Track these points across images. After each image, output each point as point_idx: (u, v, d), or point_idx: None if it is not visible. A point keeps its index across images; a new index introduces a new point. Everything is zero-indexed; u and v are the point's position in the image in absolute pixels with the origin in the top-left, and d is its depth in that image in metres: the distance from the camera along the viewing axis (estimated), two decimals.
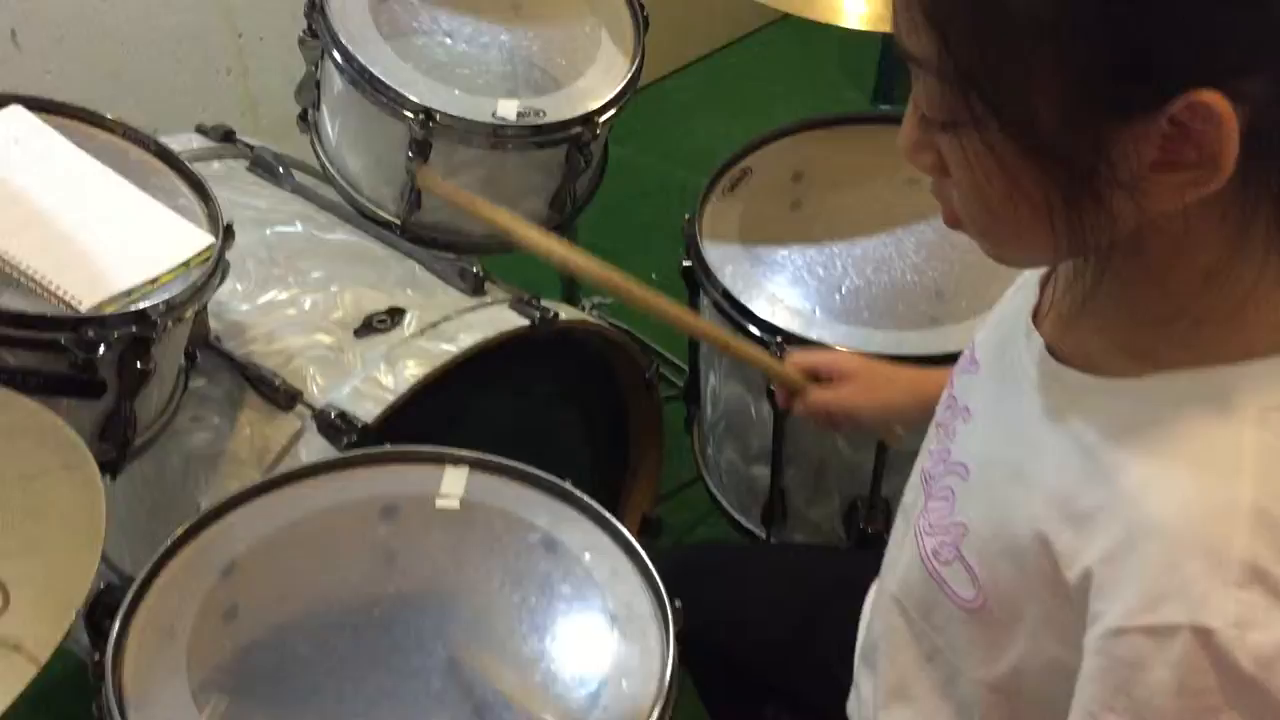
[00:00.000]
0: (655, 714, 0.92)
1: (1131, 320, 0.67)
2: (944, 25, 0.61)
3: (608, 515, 1.07)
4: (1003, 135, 0.62)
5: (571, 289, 1.88)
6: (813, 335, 1.29)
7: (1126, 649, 0.61)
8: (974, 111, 0.62)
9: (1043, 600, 0.68)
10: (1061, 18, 0.57)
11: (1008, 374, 0.76)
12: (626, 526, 1.57)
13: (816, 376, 1.13)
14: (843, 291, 1.35)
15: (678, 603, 0.99)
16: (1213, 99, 0.56)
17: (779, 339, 1.28)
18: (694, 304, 1.46)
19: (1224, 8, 0.55)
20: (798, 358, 1.14)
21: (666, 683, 0.94)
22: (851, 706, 0.95)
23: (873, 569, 1.02)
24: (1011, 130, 0.61)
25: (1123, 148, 0.59)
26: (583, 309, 1.82)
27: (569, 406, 1.56)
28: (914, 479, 0.86)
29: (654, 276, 2.25)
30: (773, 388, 1.23)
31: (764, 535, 1.45)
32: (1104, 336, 0.69)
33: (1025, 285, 0.79)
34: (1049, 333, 0.73)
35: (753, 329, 1.32)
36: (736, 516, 1.50)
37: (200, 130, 1.61)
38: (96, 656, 0.92)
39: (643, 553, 1.04)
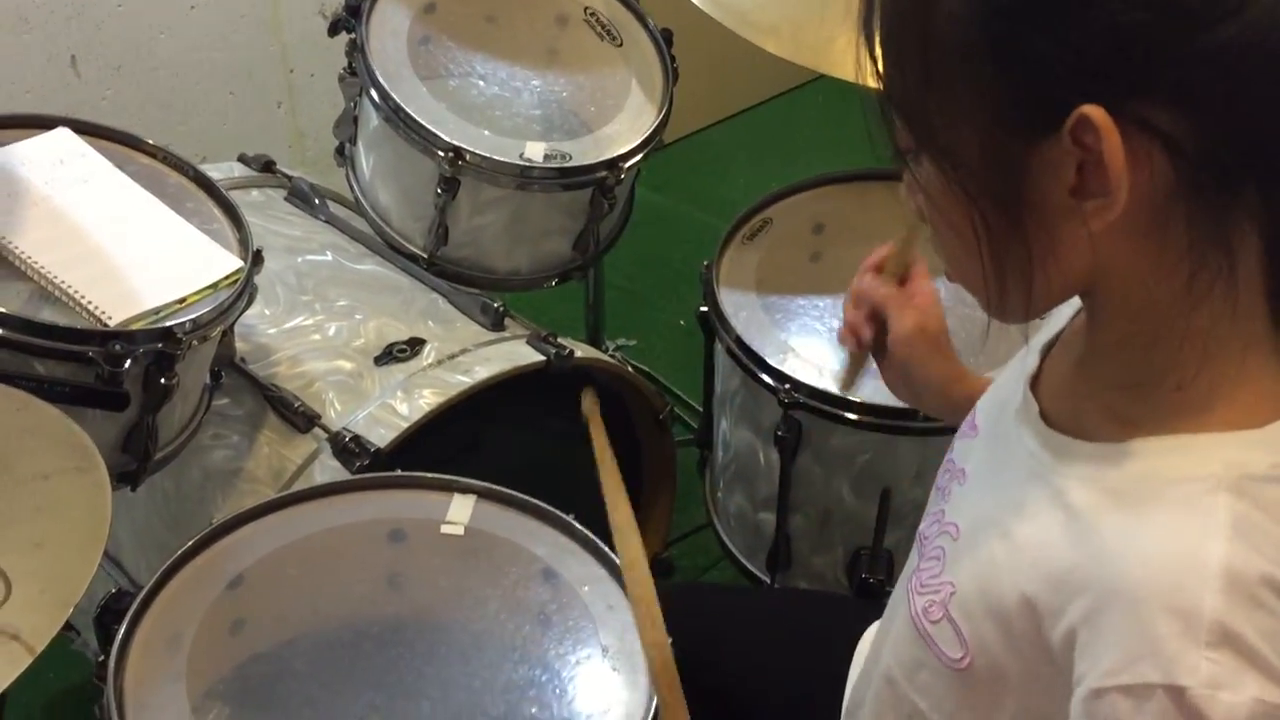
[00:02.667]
0: None
1: (1118, 386, 0.69)
2: (886, 54, 0.65)
3: (607, 551, 1.09)
4: (931, 163, 0.65)
5: (596, 330, 1.91)
6: (822, 385, 1.31)
7: (1107, 710, 0.61)
8: (908, 139, 0.65)
9: (1028, 661, 0.68)
10: (964, 40, 0.61)
11: (1002, 438, 0.77)
12: None
13: (903, 278, 1.01)
14: None
15: (669, 640, 1.00)
16: (1094, 112, 0.58)
17: (787, 386, 1.30)
18: (709, 349, 1.49)
19: (1106, 24, 0.58)
20: (917, 261, 1.02)
21: (652, 718, 0.95)
22: None
23: (868, 618, 1.03)
24: (936, 157, 0.64)
25: (1037, 174, 0.62)
26: (605, 350, 1.86)
27: (584, 444, 1.58)
28: (915, 542, 0.87)
29: (682, 323, 2.30)
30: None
31: (769, 581, 1.46)
32: (1094, 402, 0.70)
33: (1028, 352, 0.80)
34: (1045, 399, 0.74)
35: (764, 376, 1.34)
36: (743, 561, 1.51)
37: (242, 159, 1.66)
38: (101, 658, 0.96)
39: None
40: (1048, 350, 0.78)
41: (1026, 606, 0.67)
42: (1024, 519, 0.70)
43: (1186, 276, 0.63)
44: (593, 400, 0.97)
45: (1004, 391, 0.80)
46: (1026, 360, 0.79)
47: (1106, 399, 0.69)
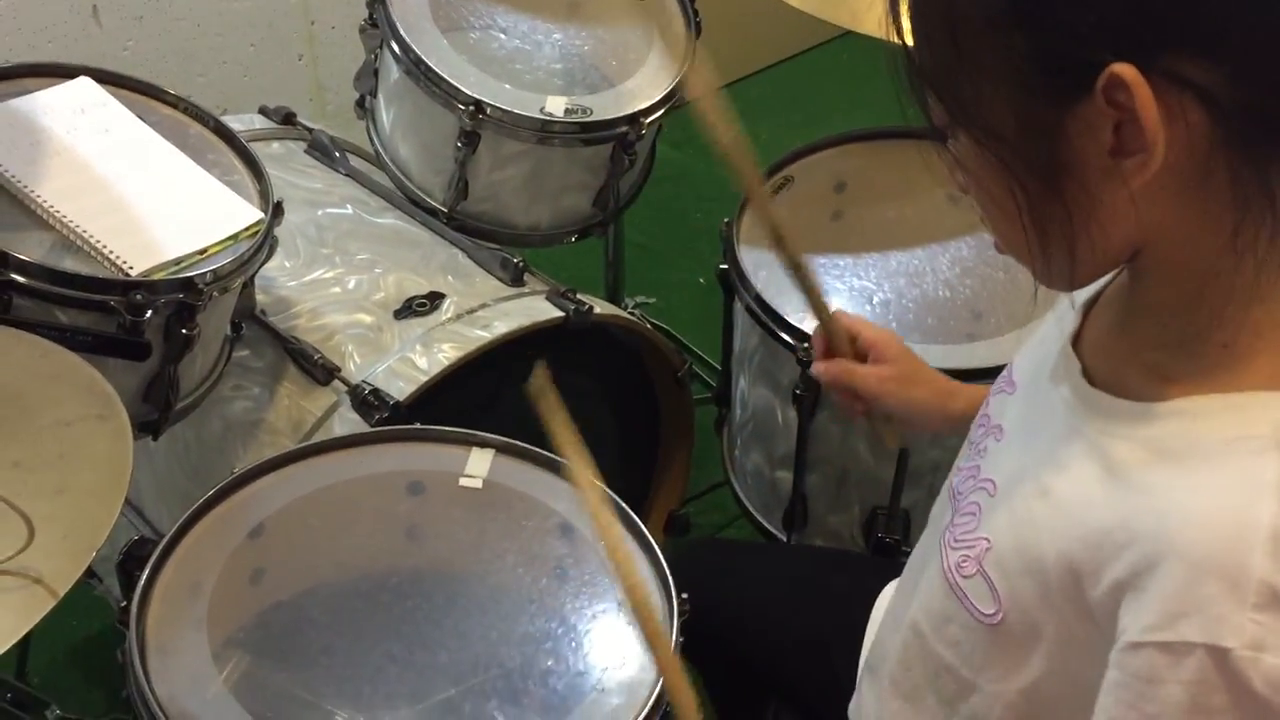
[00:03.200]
0: (652, 699, 0.94)
1: (1163, 344, 0.68)
2: (915, 31, 0.64)
3: (624, 506, 1.09)
4: (967, 136, 0.65)
5: (615, 287, 1.90)
6: None
7: (1142, 664, 0.62)
8: (941, 114, 0.65)
9: (1065, 618, 0.69)
10: (990, 10, 0.61)
11: (1042, 396, 0.77)
12: (653, 522, 1.61)
13: (855, 344, 1.09)
14: (874, 302, 1.37)
15: (684, 595, 1.01)
16: (1124, 69, 0.58)
17: (806, 345, 1.30)
18: (729, 307, 1.48)
19: None
20: (848, 319, 1.10)
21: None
22: (853, 711, 0.96)
23: (884, 577, 1.03)
24: (971, 130, 0.64)
25: (1074, 138, 0.62)
26: (624, 307, 1.85)
27: (602, 401, 1.58)
28: (943, 494, 0.87)
29: (701, 280, 2.29)
30: (811, 341, 1.20)
31: (785, 539, 1.46)
32: (1138, 361, 0.70)
33: (1068, 310, 0.80)
34: (1087, 358, 0.74)
35: (783, 335, 1.34)
36: (760, 519, 1.51)
37: (263, 112, 1.66)
38: (123, 604, 0.97)
39: (655, 544, 1.06)
40: (1089, 308, 0.77)
41: (1066, 565, 0.67)
42: (1064, 476, 0.70)
43: (1231, 229, 0.63)
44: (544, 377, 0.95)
45: (1043, 349, 0.80)
46: (1067, 318, 0.78)
47: (1150, 358, 0.69)
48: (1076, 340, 0.76)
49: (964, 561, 0.76)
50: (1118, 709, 0.63)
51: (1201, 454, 0.64)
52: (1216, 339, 0.65)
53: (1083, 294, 0.78)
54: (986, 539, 0.75)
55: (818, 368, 1.10)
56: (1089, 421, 0.70)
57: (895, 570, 0.98)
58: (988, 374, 0.89)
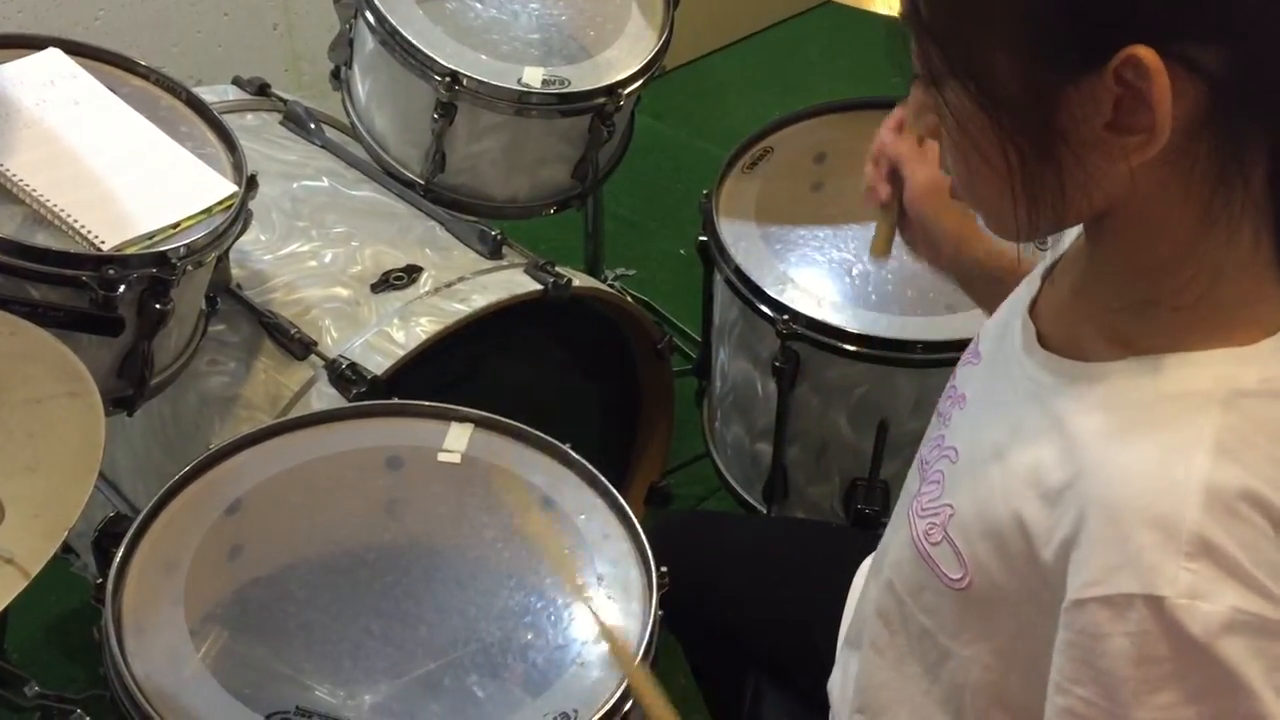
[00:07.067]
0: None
1: (1114, 307, 0.69)
2: None
3: (604, 480, 1.09)
4: (962, 91, 0.64)
5: (595, 259, 1.90)
6: (820, 316, 1.31)
7: (1087, 620, 0.63)
8: (938, 65, 0.64)
9: (1025, 580, 0.70)
10: None
11: (1002, 363, 0.78)
12: (634, 494, 1.61)
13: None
14: (853, 274, 1.37)
15: (664, 568, 1.01)
16: (1145, 54, 0.58)
17: (785, 317, 1.30)
18: (708, 279, 1.48)
19: None
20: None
21: (644, 644, 0.96)
22: (833, 683, 0.97)
23: (864, 548, 1.04)
24: (969, 85, 0.63)
25: (1073, 108, 0.61)
26: (604, 279, 1.85)
27: (581, 373, 1.58)
28: (914, 466, 0.88)
29: (682, 252, 2.29)
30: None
31: (766, 511, 1.47)
32: (1090, 324, 0.71)
33: (1029, 280, 0.81)
34: (1043, 323, 0.75)
35: (763, 307, 1.33)
36: (740, 492, 1.52)
37: (237, 83, 1.64)
38: (100, 581, 0.96)
39: (634, 518, 1.06)
40: (1045, 276, 0.78)
41: (1019, 526, 0.68)
42: (1019, 440, 0.71)
43: (1207, 201, 0.63)
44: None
45: (1004, 318, 0.81)
46: (1027, 287, 0.79)
47: (1105, 320, 0.70)
48: (1034, 308, 0.77)
49: (931, 529, 0.77)
50: (1070, 667, 0.64)
51: (1145, 410, 0.65)
52: (1171, 303, 0.66)
53: (1042, 263, 0.79)
54: (950, 505, 0.76)
55: (884, 134, 1.03)
56: (1042, 384, 0.72)
57: (875, 542, 0.98)
58: (967, 346, 0.90)
